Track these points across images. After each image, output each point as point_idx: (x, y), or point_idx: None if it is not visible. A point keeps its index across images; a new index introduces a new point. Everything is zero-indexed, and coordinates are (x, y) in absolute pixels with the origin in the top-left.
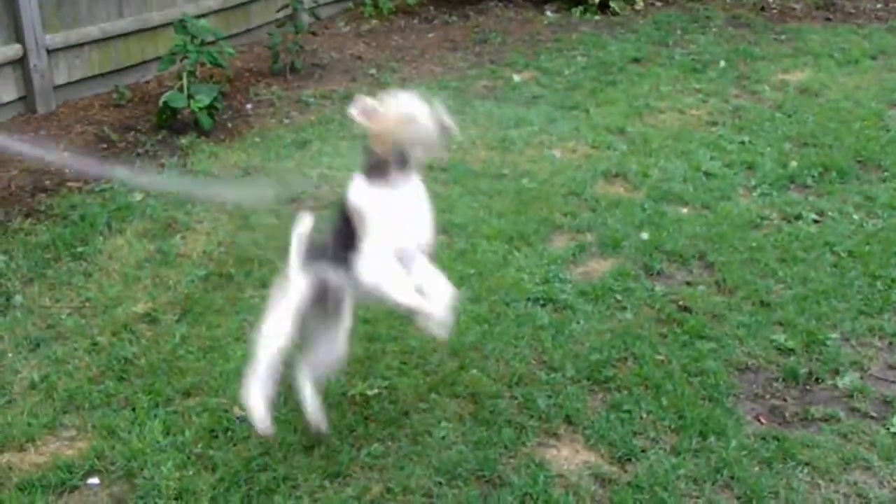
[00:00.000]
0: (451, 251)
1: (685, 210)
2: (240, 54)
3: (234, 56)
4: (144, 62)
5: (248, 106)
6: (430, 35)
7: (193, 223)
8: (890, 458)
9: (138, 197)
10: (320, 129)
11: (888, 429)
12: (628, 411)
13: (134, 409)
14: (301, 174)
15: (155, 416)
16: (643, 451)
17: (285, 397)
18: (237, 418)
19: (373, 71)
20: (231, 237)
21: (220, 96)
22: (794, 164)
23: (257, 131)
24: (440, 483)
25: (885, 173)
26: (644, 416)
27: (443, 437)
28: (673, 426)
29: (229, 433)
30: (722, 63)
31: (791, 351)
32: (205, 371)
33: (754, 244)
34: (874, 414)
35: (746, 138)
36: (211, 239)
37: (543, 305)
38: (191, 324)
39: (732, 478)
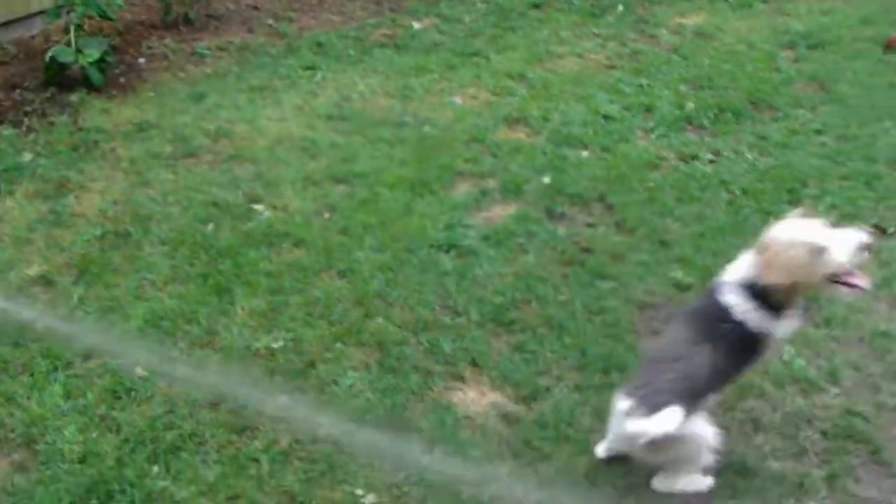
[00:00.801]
0: (352, 201)
1: (585, 153)
2: (130, 6)
3: (122, 8)
4: (29, 16)
5: (141, 60)
6: None
7: (87, 182)
8: (781, 384)
9: (28, 157)
10: (217, 82)
11: (780, 357)
12: (532, 352)
13: (32, 375)
14: (198, 129)
15: (55, 380)
16: (548, 389)
17: (188, 355)
18: (140, 378)
19: (270, 21)
20: (126, 195)
21: (110, 50)
22: (690, 105)
23: (151, 86)
24: (348, 431)
25: (778, 113)
26: (548, 355)
27: (350, 386)
28: (576, 364)
29: (132, 393)
30: (620, 8)
31: (689, 287)
32: (105, 332)
33: (652, 185)
34: None
35: (644, 81)
36: (105, 197)
37: (447, 251)
38: (88, 284)
39: None
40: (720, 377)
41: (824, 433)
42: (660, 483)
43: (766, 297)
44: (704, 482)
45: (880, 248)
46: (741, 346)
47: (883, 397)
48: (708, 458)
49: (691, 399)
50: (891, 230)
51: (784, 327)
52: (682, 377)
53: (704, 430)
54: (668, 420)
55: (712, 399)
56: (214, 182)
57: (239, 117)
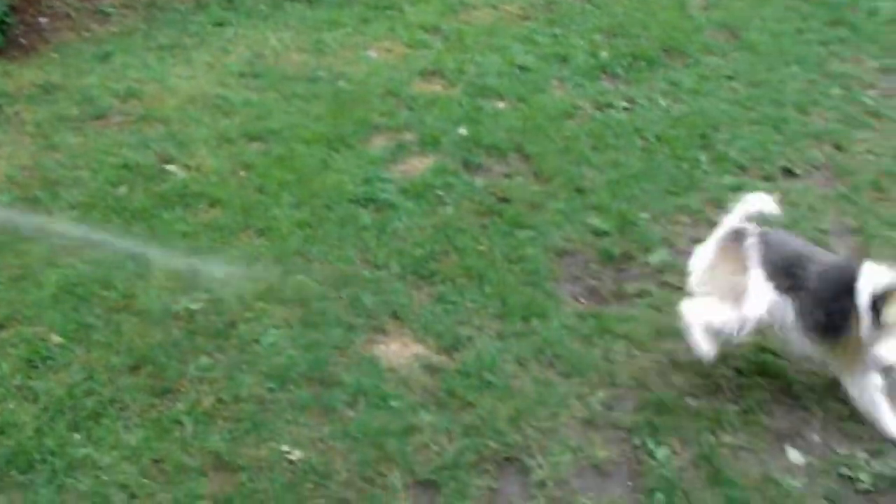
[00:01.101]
0: (268, 158)
1: (501, 104)
2: None
3: None
4: None
5: (42, 19)
6: None
7: None
8: None
9: None
10: (123, 41)
11: None
12: (453, 302)
13: None
14: (106, 90)
15: None
16: (469, 338)
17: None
18: (56, 345)
19: None
20: (34, 159)
21: (9, 10)
22: (604, 54)
23: (54, 46)
24: (272, 389)
25: (689, 60)
26: (469, 305)
27: (271, 344)
28: (497, 313)
29: (49, 362)
30: None
31: (606, 233)
32: (17, 301)
33: (568, 134)
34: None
35: (558, 31)
36: (12, 163)
37: (365, 206)
38: None
39: (556, 356)
40: None
41: (738, 370)
42: None
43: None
44: None
45: (789, 190)
46: None
47: None
48: None
49: None
50: (799, 172)
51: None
52: None
53: None
54: None
55: None
56: (125, 144)
57: (148, 76)
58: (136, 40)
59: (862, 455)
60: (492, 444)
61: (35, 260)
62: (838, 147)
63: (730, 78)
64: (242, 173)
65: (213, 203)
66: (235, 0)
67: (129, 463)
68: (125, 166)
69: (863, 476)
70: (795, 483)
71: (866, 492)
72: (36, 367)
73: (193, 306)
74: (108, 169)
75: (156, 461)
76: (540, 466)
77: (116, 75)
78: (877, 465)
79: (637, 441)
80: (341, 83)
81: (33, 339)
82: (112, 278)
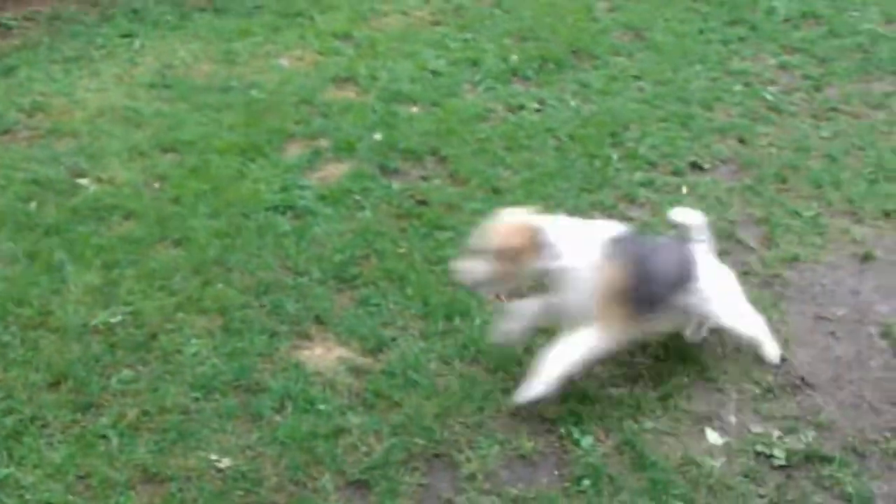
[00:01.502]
0: (182, 169)
1: (415, 109)
2: None
3: None
4: None
5: None
6: None
7: None
8: None
9: None
10: (27, 54)
11: None
12: (376, 304)
13: None
14: (11, 104)
15: None
16: (393, 339)
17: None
18: None
19: None
20: None
21: None
22: (514, 58)
23: None
24: (197, 398)
25: (597, 61)
26: (391, 307)
27: (194, 354)
28: (420, 313)
29: None
30: None
31: None
32: None
33: (483, 136)
34: None
35: (469, 36)
36: None
37: (283, 213)
38: None
39: (479, 352)
40: None
41: (657, 357)
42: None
43: None
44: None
45: (697, 183)
46: None
47: None
48: None
49: None
50: (706, 166)
51: None
52: None
53: None
54: None
55: None
56: (33, 158)
57: (55, 90)
58: (40, 53)
59: (776, 433)
60: (420, 441)
61: None
62: (742, 141)
63: (637, 78)
64: (157, 185)
65: (128, 215)
66: (141, 11)
67: (54, 481)
68: (35, 181)
69: (777, 452)
70: (715, 463)
71: (781, 467)
72: None
73: (112, 320)
74: (17, 184)
75: (81, 477)
76: (469, 460)
77: (21, 89)
78: (789, 441)
79: (562, 431)
80: (254, 92)
81: None
82: (26, 295)
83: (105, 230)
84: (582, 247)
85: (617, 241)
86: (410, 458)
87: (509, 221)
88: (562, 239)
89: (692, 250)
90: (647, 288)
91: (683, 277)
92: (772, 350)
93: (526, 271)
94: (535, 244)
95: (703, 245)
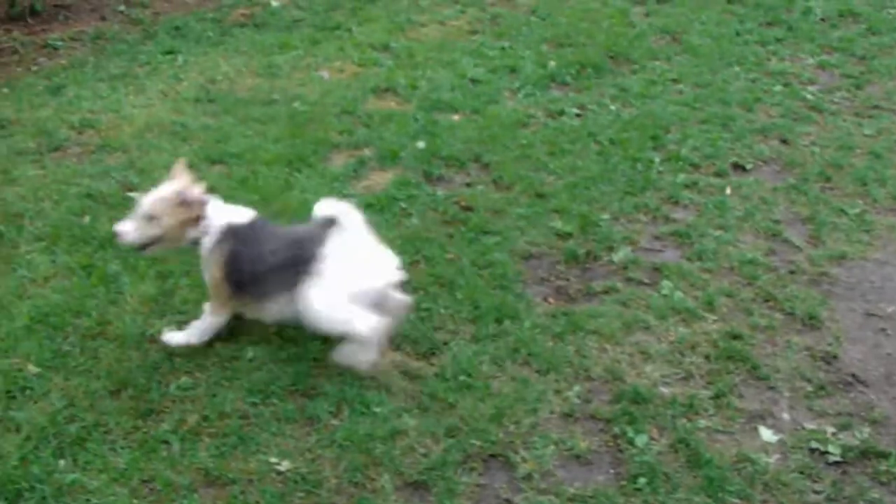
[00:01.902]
0: (231, 181)
1: (456, 117)
2: None
3: None
4: None
5: None
6: None
7: None
8: (664, 317)
9: None
10: (74, 73)
11: (660, 292)
12: (427, 309)
13: None
14: (61, 121)
15: None
16: (445, 343)
17: (82, 349)
18: (33, 375)
19: (122, 8)
20: None
21: None
22: (552, 64)
23: (4, 82)
24: (255, 403)
25: (635, 66)
26: (442, 311)
27: (251, 360)
28: (470, 317)
29: (27, 392)
30: None
31: (569, 235)
32: None
33: (524, 142)
34: (647, 281)
35: (506, 44)
36: None
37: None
38: None
39: (530, 354)
40: None
41: (707, 357)
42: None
43: None
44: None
45: (740, 184)
46: None
47: (756, 319)
48: None
49: None
50: (749, 166)
51: None
52: None
53: None
54: None
55: None
56: (85, 174)
57: (103, 107)
58: (86, 72)
59: (830, 429)
60: (476, 442)
61: (5, 292)
62: (785, 141)
63: (675, 81)
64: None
65: None
66: (183, 28)
67: (119, 485)
68: (88, 195)
69: (832, 448)
70: (770, 460)
71: (837, 463)
72: (14, 398)
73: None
74: (71, 199)
75: (145, 481)
76: (524, 461)
77: (71, 107)
78: (844, 438)
79: (616, 430)
80: (296, 104)
81: (9, 370)
82: (84, 306)
83: None
84: (216, 229)
85: (235, 227)
86: (467, 458)
87: (176, 189)
88: (214, 218)
89: (320, 238)
90: (248, 269)
91: (292, 262)
92: (352, 353)
93: (181, 238)
94: (195, 215)
95: (347, 235)
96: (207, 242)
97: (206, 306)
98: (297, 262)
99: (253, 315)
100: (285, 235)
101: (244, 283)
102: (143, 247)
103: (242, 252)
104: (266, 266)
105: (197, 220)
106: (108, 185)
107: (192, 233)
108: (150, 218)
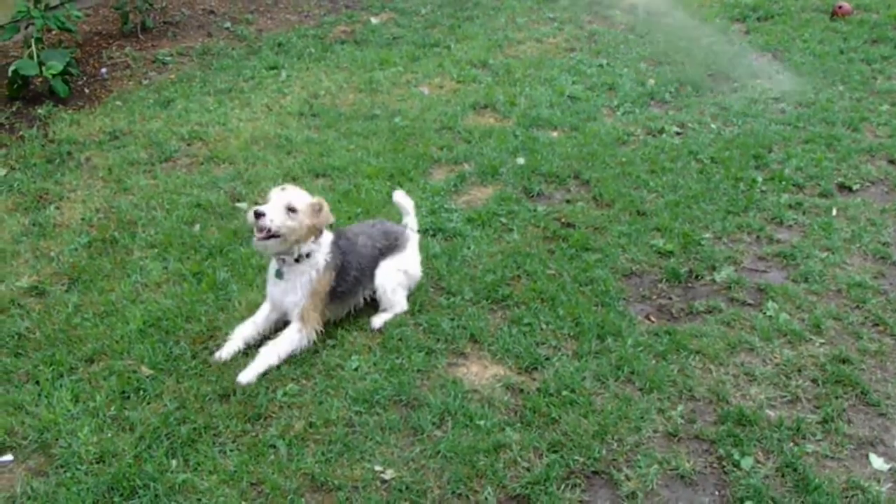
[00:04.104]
0: (335, 193)
1: (555, 133)
2: (86, 17)
3: (81, 19)
4: None
5: (103, 70)
6: None
7: (66, 192)
8: (769, 338)
9: (2, 172)
10: (183, 87)
11: (765, 313)
12: (529, 324)
13: (38, 382)
14: (171, 133)
15: (61, 385)
16: (547, 358)
17: (193, 353)
18: (147, 377)
19: (227, 25)
20: (108, 202)
21: (73, 61)
22: (651, 81)
23: (117, 95)
24: (359, 412)
25: (735, 84)
26: (544, 326)
27: (355, 369)
28: (572, 333)
29: (141, 392)
30: None
31: (670, 253)
32: (105, 336)
33: (624, 159)
34: (751, 301)
35: (604, 61)
36: (88, 206)
37: (434, 235)
38: (82, 292)
39: (633, 372)
40: None
41: (814, 380)
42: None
43: None
44: None
45: (847, 205)
46: None
47: (864, 343)
48: None
49: None
50: (855, 187)
51: None
52: None
53: None
54: None
55: None
56: (195, 184)
57: (210, 120)
58: (194, 86)
59: None
60: (579, 458)
61: (119, 297)
62: (893, 161)
63: (777, 99)
64: None
65: None
66: (285, 44)
67: (229, 486)
68: (198, 205)
69: None
70: (882, 489)
71: None
72: (129, 398)
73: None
74: (182, 208)
75: (254, 484)
76: (628, 479)
77: (180, 119)
78: None
79: (721, 451)
80: (397, 120)
81: (124, 371)
82: (195, 311)
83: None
84: (327, 245)
85: (340, 241)
86: (570, 474)
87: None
88: (326, 235)
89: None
90: (350, 276)
91: (380, 252)
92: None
93: (302, 241)
94: (321, 227)
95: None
96: (320, 258)
97: (299, 325)
98: (384, 252)
99: (333, 316)
100: (371, 232)
101: (344, 291)
102: (272, 236)
103: (349, 262)
104: (361, 267)
105: (319, 233)
106: (217, 195)
107: (309, 244)
108: (292, 210)
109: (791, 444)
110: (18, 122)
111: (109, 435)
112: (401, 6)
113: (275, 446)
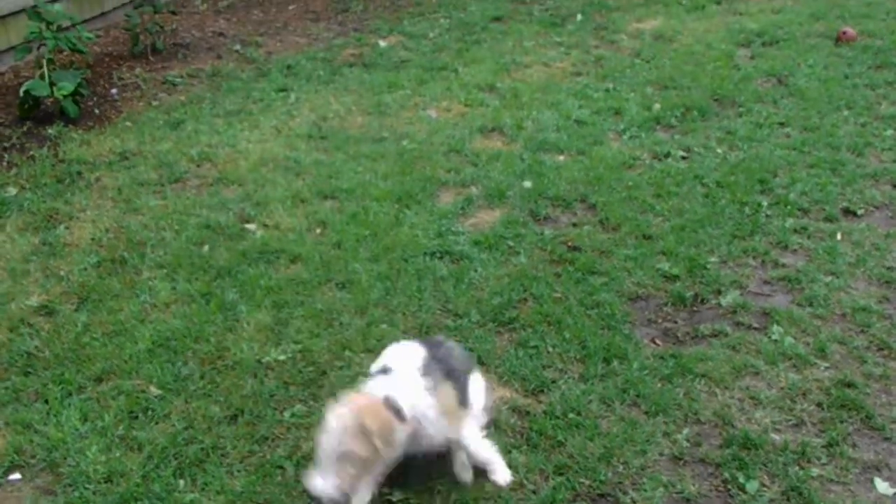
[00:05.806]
0: (342, 215)
1: (562, 157)
2: (97, 39)
3: (92, 41)
4: None
5: (114, 90)
6: (291, 7)
7: (76, 212)
8: (774, 362)
9: (12, 191)
10: (192, 109)
11: (770, 337)
12: (535, 347)
13: (47, 401)
14: (181, 154)
15: (69, 404)
16: (553, 381)
17: (201, 374)
18: (155, 397)
19: (237, 47)
20: (118, 222)
21: (84, 82)
22: (657, 106)
23: (127, 115)
24: None
25: (741, 108)
26: (550, 349)
27: None
28: (578, 356)
29: (150, 412)
30: (579, 16)
31: (676, 277)
32: (114, 355)
33: (630, 183)
34: (756, 325)
35: (610, 86)
36: (97, 226)
37: (441, 258)
38: (91, 311)
39: (639, 395)
40: None
41: (819, 404)
42: None
43: None
44: None
45: (851, 230)
46: None
47: (869, 367)
48: None
49: None
50: (860, 212)
51: None
52: None
53: None
54: None
55: None
56: (204, 205)
57: (219, 141)
58: (204, 108)
59: None
60: (585, 481)
61: (128, 316)
62: None
63: (782, 124)
64: (318, 230)
65: (294, 259)
66: (294, 67)
67: None
68: (206, 226)
69: None
70: None
71: None
72: (137, 418)
73: (282, 357)
74: (191, 229)
75: None
76: (634, 502)
77: (189, 141)
78: None
79: (726, 475)
80: (405, 142)
81: (132, 391)
82: (203, 332)
83: (273, 272)
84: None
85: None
86: (576, 497)
87: (354, 416)
88: (405, 400)
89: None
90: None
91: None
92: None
93: (390, 454)
94: (391, 432)
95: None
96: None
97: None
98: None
99: None
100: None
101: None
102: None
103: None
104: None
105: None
106: (226, 216)
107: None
108: (346, 458)
109: (796, 467)
110: (29, 142)
111: (117, 454)
112: (409, 30)
113: (282, 467)
